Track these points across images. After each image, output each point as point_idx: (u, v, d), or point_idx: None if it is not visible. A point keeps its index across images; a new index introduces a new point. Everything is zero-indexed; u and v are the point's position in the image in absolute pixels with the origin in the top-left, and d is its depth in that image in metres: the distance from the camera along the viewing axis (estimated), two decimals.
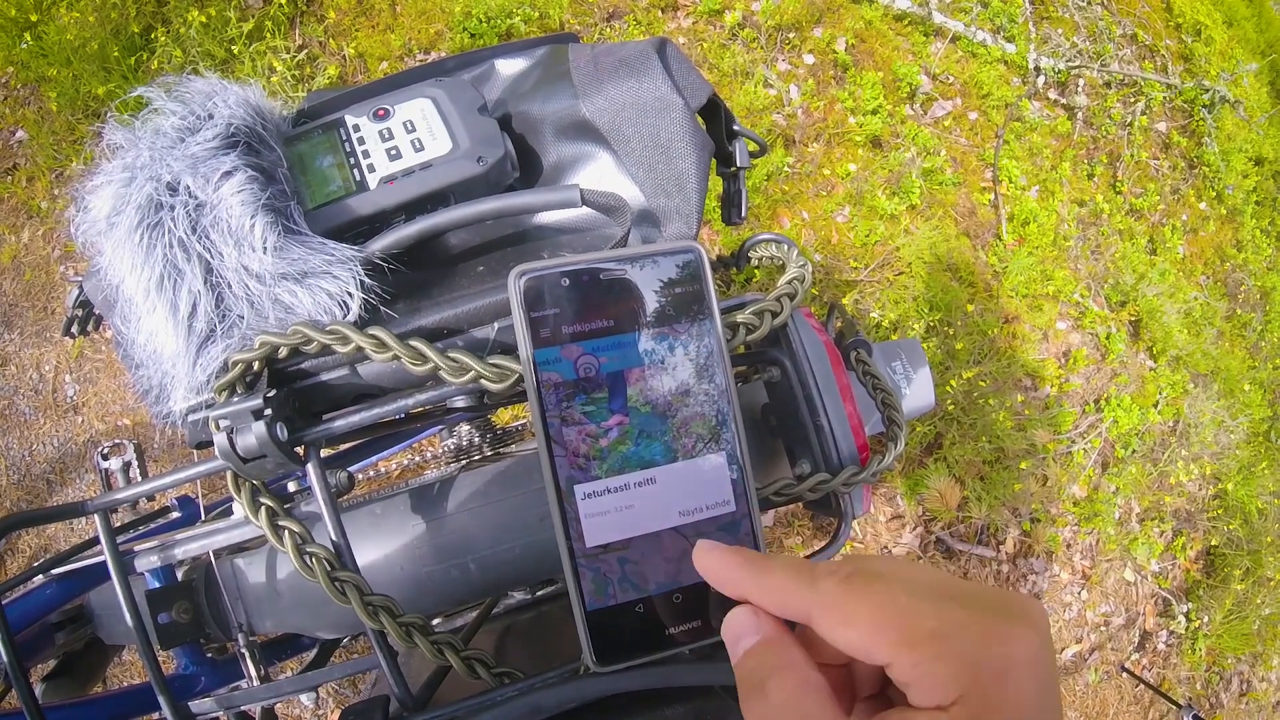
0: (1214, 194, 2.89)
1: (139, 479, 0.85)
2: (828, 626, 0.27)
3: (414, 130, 0.47)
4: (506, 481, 0.55)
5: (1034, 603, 0.27)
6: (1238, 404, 2.54)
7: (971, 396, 2.17)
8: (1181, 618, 2.26)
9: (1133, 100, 2.84)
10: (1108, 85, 2.86)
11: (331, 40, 2.07)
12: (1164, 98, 2.89)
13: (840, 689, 0.29)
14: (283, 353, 0.41)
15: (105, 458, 0.85)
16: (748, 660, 0.29)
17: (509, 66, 0.53)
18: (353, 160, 0.46)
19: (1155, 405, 2.40)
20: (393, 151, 0.46)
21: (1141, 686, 2.13)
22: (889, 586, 0.26)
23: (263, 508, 0.42)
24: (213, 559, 0.55)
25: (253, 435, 0.39)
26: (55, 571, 0.56)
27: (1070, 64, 2.73)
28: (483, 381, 0.39)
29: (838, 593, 0.27)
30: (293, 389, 0.43)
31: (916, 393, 0.64)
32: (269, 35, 1.98)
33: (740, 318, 0.44)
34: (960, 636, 0.25)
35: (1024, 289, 2.35)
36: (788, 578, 0.28)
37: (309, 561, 0.41)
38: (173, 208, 0.39)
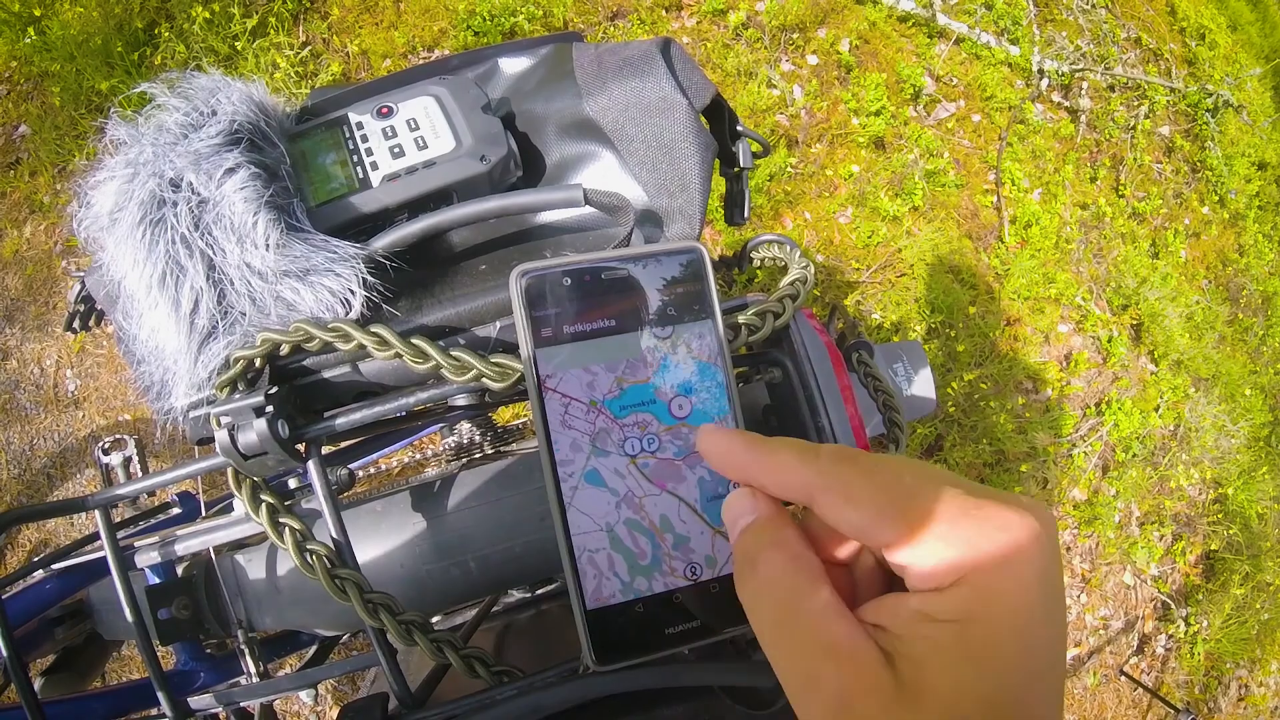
0: (1216, 198, 2.89)
1: (139, 474, 0.85)
2: (830, 505, 0.26)
3: (417, 128, 0.47)
4: (507, 480, 0.55)
5: (1040, 504, 0.26)
6: (1238, 409, 2.54)
7: (973, 399, 2.17)
8: (1180, 622, 2.26)
9: (1136, 104, 2.84)
10: (1111, 88, 2.86)
11: (335, 37, 2.07)
12: (1167, 101, 2.89)
13: (840, 589, 0.28)
14: (284, 350, 0.41)
15: (106, 453, 0.85)
16: (743, 539, 0.29)
17: (513, 65, 0.53)
18: (356, 158, 0.46)
19: (1156, 409, 2.40)
20: (396, 149, 0.46)
21: (1140, 690, 2.13)
22: (894, 468, 0.26)
23: (263, 504, 0.42)
24: (213, 555, 0.55)
25: (254, 432, 0.39)
26: (55, 566, 0.56)
27: (1074, 67, 2.72)
28: (484, 380, 0.39)
29: (841, 471, 0.26)
30: (294, 386, 0.43)
31: (917, 395, 0.64)
32: (272, 32, 1.98)
33: (742, 318, 0.44)
34: (964, 521, 0.24)
35: (1026, 292, 2.35)
36: (792, 456, 0.27)
37: (309, 559, 0.41)
38: (175, 204, 0.39)
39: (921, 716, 0.23)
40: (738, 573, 0.29)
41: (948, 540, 0.24)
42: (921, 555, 0.24)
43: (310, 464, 0.42)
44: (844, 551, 0.29)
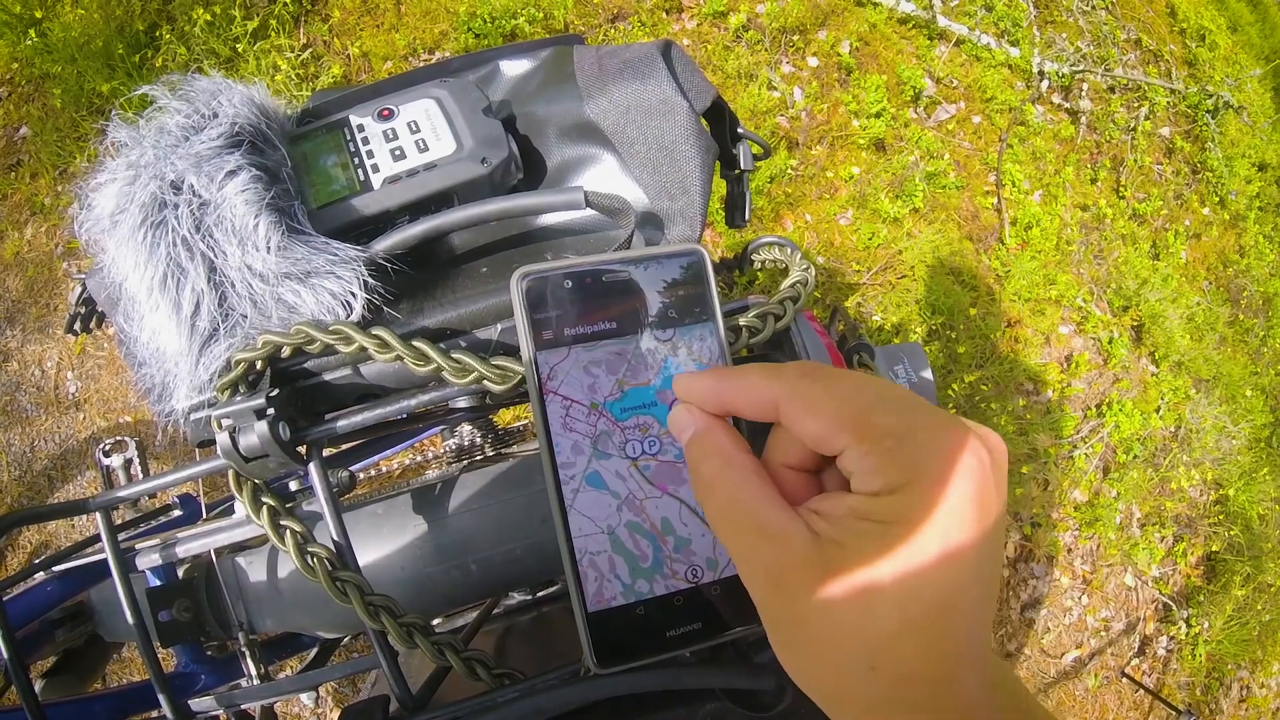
0: (1217, 199, 2.89)
1: (140, 477, 0.85)
2: (792, 416, 0.29)
3: (418, 131, 0.47)
4: (508, 482, 0.55)
5: (994, 434, 0.28)
6: (1239, 410, 2.53)
7: (973, 400, 2.17)
8: (1182, 623, 2.26)
9: (1136, 105, 2.84)
10: (1111, 90, 2.86)
11: (336, 39, 2.07)
12: (1167, 103, 2.89)
13: (806, 487, 0.31)
14: (286, 352, 0.41)
15: (107, 455, 0.85)
16: (688, 450, 0.32)
17: (514, 68, 0.53)
18: (357, 160, 0.46)
19: (1157, 410, 2.39)
20: (397, 152, 0.46)
21: (1141, 692, 2.12)
22: (854, 384, 0.28)
23: (264, 507, 0.42)
24: (214, 557, 0.55)
25: (255, 434, 0.39)
26: (56, 568, 0.56)
27: (1074, 68, 2.73)
28: (485, 382, 0.39)
29: (803, 385, 0.29)
30: (295, 388, 0.43)
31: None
32: (273, 34, 1.99)
33: (743, 320, 0.44)
34: (911, 438, 0.26)
35: (1026, 293, 2.35)
36: (759, 375, 0.30)
37: (310, 561, 0.41)
38: (176, 206, 0.39)
39: (838, 597, 0.25)
40: (690, 478, 0.32)
41: (892, 454, 0.26)
42: (866, 464, 0.27)
43: (311, 466, 0.42)
44: (811, 463, 0.31)
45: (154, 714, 0.60)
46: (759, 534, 0.28)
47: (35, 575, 0.57)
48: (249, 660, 0.56)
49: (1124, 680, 2.14)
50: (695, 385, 0.32)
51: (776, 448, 0.31)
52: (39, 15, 1.86)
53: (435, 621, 0.78)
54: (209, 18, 1.92)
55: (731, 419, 0.33)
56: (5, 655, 0.44)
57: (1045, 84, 2.70)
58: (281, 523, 0.42)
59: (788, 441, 0.30)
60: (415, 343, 0.40)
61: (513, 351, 0.43)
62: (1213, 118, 2.91)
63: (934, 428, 0.26)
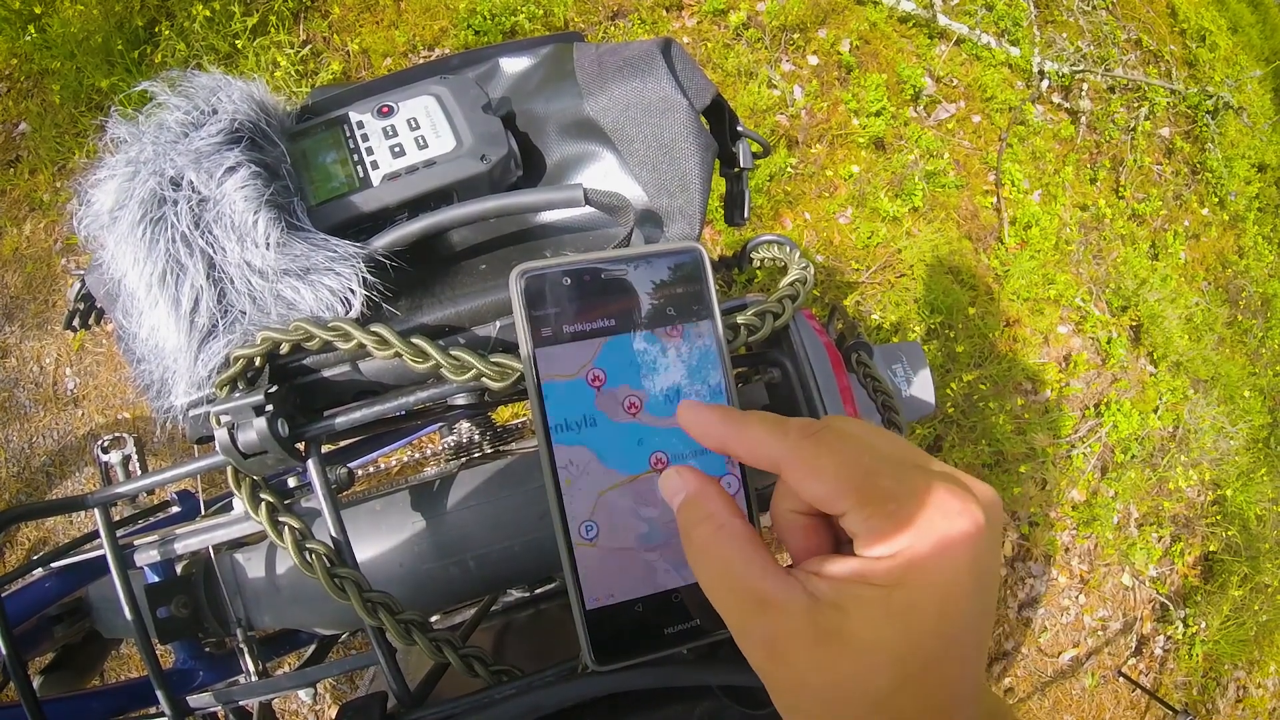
0: (1216, 200, 2.89)
1: (139, 473, 0.85)
2: (796, 477, 0.29)
3: (418, 127, 0.47)
4: (506, 479, 0.55)
5: (991, 490, 0.29)
6: (1237, 410, 2.54)
7: (972, 399, 2.17)
8: (1179, 623, 2.26)
9: (1136, 105, 2.84)
10: (1111, 90, 2.86)
11: (335, 36, 2.07)
12: (1167, 103, 2.89)
13: (815, 531, 0.31)
14: (284, 349, 0.41)
15: (105, 451, 0.85)
16: (680, 514, 0.32)
17: (513, 65, 0.53)
18: (356, 157, 0.46)
19: (1155, 410, 2.40)
20: (396, 148, 0.46)
21: (1138, 692, 2.13)
22: (856, 446, 0.28)
23: (263, 503, 0.42)
24: (212, 554, 0.55)
25: (254, 431, 0.39)
26: (54, 565, 0.55)
27: (1074, 68, 2.72)
28: (484, 380, 0.40)
29: (806, 446, 0.29)
30: (294, 385, 0.43)
31: (917, 395, 0.64)
32: (273, 30, 1.98)
33: (741, 319, 0.44)
34: (912, 503, 0.27)
35: (1025, 293, 2.35)
36: (763, 430, 0.30)
37: (308, 558, 0.41)
38: (176, 203, 0.39)
39: (839, 658, 0.26)
40: (682, 542, 0.31)
41: (894, 519, 0.27)
42: (869, 529, 0.27)
43: (310, 463, 0.42)
44: (818, 509, 0.31)
45: (152, 710, 0.60)
46: (754, 602, 0.28)
47: (34, 571, 0.57)
48: (247, 657, 0.56)
49: (1121, 680, 2.15)
50: (699, 417, 0.32)
51: (784, 496, 0.31)
52: (38, 11, 1.86)
53: (433, 618, 0.79)
54: (208, 14, 1.91)
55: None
56: (4, 652, 0.44)
57: (1045, 83, 2.70)
58: (280, 519, 0.42)
59: (794, 492, 0.30)
60: (414, 339, 0.40)
61: (511, 349, 0.43)
62: (1213, 118, 2.91)
63: (936, 494, 0.27)
